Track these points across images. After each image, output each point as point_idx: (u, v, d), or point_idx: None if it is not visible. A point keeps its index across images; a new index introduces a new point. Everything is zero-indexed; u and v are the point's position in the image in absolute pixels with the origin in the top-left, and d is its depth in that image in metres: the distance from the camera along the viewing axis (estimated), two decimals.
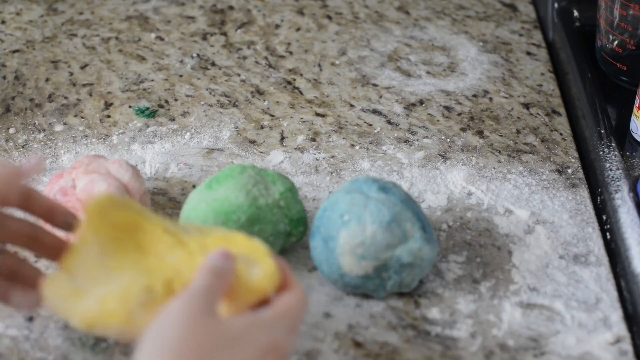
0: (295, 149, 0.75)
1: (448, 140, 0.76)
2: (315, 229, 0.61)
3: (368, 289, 0.60)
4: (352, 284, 0.60)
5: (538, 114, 0.79)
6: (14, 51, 0.86)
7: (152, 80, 0.83)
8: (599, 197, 0.70)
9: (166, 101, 0.80)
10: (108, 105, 0.79)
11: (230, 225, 0.59)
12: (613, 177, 0.69)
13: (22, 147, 0.74)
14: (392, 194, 0.60)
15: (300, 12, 0.93)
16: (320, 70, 0.85)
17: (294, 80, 0.83)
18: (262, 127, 0.77)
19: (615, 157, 0.71)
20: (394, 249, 0.59)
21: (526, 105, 0.80)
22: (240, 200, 0.60)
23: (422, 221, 0.60)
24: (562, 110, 0.80)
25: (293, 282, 0.52)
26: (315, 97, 0.81)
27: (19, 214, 0.55)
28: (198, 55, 0.86)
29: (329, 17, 0.93)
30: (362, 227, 0.58)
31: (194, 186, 0.71)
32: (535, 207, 0.69)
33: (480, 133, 0.77)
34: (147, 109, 0.79)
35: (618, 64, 0.79)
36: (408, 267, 0.59)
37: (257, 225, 0.60)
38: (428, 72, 0.84)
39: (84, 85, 0.82)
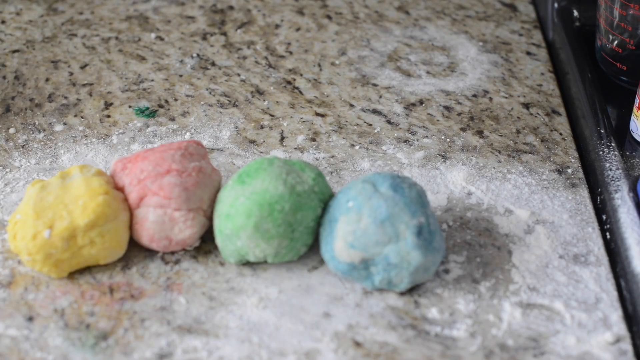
0: (295, 148, 0.75)
1: (448, 140, 0.76)
2: (327, 208, 0.63)
3: (355, 277, 0.61)
4: (340, 269, 0.61)
5: (538, 114, 0.79)
6: (14, 51, 0.86)
7: (152, 80, 0.83)
8: (598, 197, 0.70)
9: (166, 101, 0.80)
10: (108, 105, 0.79)
11: (275, 216, 0.60)
12: (613, 177, 0.69)
13: (22, 147, 0.74)
14: (400, 193, 0.60)
15: (300, 12, 0.93)
16: (320, 70, 0.85)
17: (294, 80, 0.83)
18: (262, 127, 0.77)
19: (615, 157, 0.71)
20: (383, 246, 0.59)
21: (526, 105, 0.80)
22: (280, 190, 0.61)
23: (422, 227, 0.60)
24: (562, 110, 0.80)
25: None
26: (315, 97, 0.81)
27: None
28: (198, 55, 0.86)
29: (329, 17, 0.93)
30: (358, 218, 0.59)
31: None
32: (535, 207, 0.69)
33: (480, 133, 0.77)
34: (147, 108, 0.79)
35: (618, 64, 0.79)
36: (395, 267, 0.59)
37: (300, 213, 0.61)
38: (428, 72, 0.84)
39: (84, 85, 0.82)
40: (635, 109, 0.73)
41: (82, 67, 0.84)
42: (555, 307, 0.61)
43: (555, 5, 0.90)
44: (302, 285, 0.62)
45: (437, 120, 0.78)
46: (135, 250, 0.65)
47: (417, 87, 0.82)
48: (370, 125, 0.78)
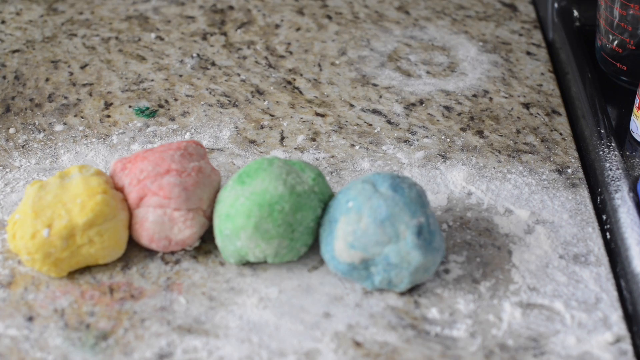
0: (295, 148, 0.75)
1: (448, 140, 0.76)
2: (327, 208, 0.63)
3: (355, 277, 0.61)
4: (340, 269, 0.61)
5: (538, 113, 0.79)
6: (14, 51, 0.86)
7: (152, 80, 0.83)
8: (598, 197, 0.70)
9: (166, 101, 0.80)
10: (108, 105, 0.79)
11: (275, 216, 0.60)
12: (613, 177, 0.69)
13: (22, 147, 0.74)
14: (400, 193, 0.60)
15: (300, 12, 0.93)
16: (320, 70, 0.85)
17: (294, 80, 0.83)
18: (262, 127, 0.77)
19: (615, 157, 0.71)
20: (383, 246, 0.59)
21: (526, 105, 0.80)
22: (280, 190, 0.61)
23: (422, 227, 0.60)
24: (562, 110, 0.80)
25: None
26: (315, 97, 0.81)
27: None
28: (198, 55, 0.86)
29: (329, 17, 0.93)
30: (358, 218, 0.59)
31: None
32: (535, 207, 0.69)
33: (480, 133, 0.77)
34: (147, 108, 0.79)
35: (618, 64, 0.79)
36: (395, 267, 0.59)
37: (300, 213, 0.61)
38: (428, 72, 0.84)
39: (84, 85, 0.82)
40: (635, 109, 0.73)
41: (82, 67, 0.84)
42: (555, 307, 0.61)
43: (555, 5, 0.90)
44: (302, 285, 0.62)
45: (437, 120, 0.78)
46: (135, 250, 0.65)
47: (417, 87, 0.82)
48: (370, 125, 0.78)
